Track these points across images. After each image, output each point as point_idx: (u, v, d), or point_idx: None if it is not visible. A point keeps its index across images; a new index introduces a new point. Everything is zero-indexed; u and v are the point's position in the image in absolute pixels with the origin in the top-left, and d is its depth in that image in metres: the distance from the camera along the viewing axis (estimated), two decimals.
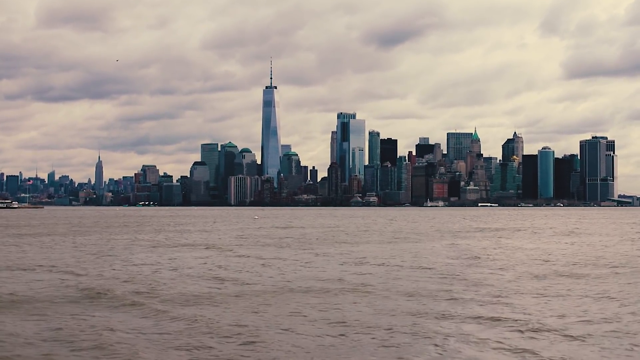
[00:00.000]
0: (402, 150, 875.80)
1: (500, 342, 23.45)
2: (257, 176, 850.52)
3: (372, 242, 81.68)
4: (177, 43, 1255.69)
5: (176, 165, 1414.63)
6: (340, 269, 48.48)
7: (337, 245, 75.54)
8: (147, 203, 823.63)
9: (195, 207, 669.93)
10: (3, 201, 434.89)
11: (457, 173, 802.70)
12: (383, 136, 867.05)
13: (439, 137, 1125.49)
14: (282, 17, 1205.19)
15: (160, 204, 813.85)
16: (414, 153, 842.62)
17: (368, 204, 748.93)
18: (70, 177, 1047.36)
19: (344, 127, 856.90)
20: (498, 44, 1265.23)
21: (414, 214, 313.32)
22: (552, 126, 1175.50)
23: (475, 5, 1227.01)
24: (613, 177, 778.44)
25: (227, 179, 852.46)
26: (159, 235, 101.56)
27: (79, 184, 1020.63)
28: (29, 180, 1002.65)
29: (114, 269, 48.40)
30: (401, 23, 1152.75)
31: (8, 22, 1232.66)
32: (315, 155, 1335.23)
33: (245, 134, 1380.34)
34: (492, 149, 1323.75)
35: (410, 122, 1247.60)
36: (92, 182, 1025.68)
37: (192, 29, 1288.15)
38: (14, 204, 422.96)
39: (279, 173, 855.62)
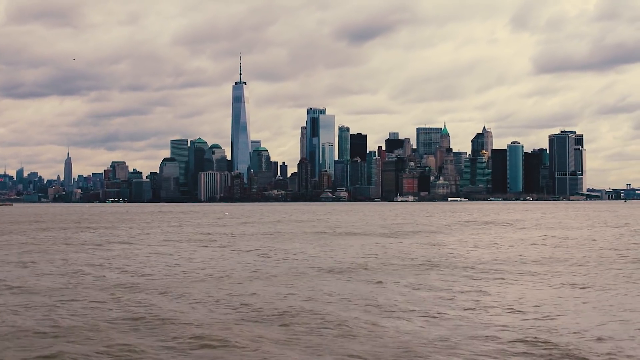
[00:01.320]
0: (372, 146, 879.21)
1: None
2: (227, 172, 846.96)
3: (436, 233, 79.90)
4: (148, 39, 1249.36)
5: (146, 161, 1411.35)
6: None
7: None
8: (116, 199, 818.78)
9: (166, 204, 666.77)
10: None
11: (427, 168, 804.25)
12: (354, 131, 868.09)
13: (409, 133, 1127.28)
14: (254, 12, 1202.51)
15: (130, 201, 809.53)
16: (383, 148, 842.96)
17: (338, 199, 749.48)
18: (39, 174, 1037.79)
19: (314, 123, 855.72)
20: (469, 39, 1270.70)
21: (399, 208, 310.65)
22: (522, 121, 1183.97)
23: (446, 1, 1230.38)
24: (582, 171, 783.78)
25: (197, 174, 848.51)
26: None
27: (47, 180, 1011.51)
28: None
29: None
30: (373, 19, 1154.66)
31: None
32: (286, 151, 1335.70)
33: (215, 130, 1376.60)
34: (462, 143, 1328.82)
35: (381, 117, 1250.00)
36: (62, 179, 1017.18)
37: (163, 25, 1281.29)
38: None
39: (249, 169, 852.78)
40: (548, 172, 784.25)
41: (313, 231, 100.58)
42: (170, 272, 45.49)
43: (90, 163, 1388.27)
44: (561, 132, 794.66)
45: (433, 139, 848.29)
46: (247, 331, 25.16)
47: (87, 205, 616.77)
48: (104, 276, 43.04)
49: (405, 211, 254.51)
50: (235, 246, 70.42)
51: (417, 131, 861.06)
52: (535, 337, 23.46)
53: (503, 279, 40.69)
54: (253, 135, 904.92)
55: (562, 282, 39.00)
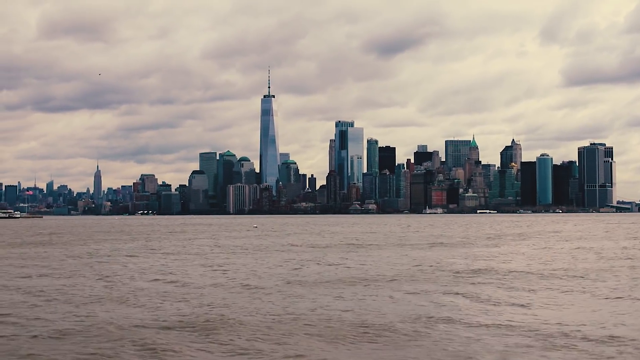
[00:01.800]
0: (401, 158, 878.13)
1: None
2: (255, 185, 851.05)
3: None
4: (177, 53, 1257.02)
5: (175, 174, 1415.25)
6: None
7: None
8: (145, 212, 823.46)
9: (195, 216, 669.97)
10: (5, 211, 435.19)
11: (456, 180, 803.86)
12: (382, 144, 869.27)
13: (438, 145, 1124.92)
14: (283, 26, 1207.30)
15: (159, 213, 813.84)
16: (412, 161, 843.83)
17: (367, 212, 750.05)
18: (68, 187, 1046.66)
19: (342, 135, 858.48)
20: (498, 52, 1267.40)
21: (437, 220, 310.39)
22: (551, 133, 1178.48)
23: (476, 13, 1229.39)
24: (612, 184, 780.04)
25: (225, 187, 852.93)
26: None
27: (77, 193, 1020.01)
28: (28, 190, 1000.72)
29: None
30: (402, 32, 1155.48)
31: (10, 33, 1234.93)
32: (315, 164, 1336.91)
33: (244, 143, 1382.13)
34: (491, 156, 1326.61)
35: (410, 130, 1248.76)
36: (91, 191, 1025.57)
37: (193, 39, 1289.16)
38: (16, 214, 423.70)
39: (277, 181, 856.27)
40: (577, 184, 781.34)
41: (390, 242, 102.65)
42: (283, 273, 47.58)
43: (120, 176, 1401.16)
44: (591, 144, 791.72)
45: (462, 151, 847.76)
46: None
47: (116, 217, 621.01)
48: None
49: (441, 222, 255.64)
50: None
51: (445, 144, 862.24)
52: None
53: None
54: (282, 148, 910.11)
55: None
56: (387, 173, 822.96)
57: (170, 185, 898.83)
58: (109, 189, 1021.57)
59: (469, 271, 50.49)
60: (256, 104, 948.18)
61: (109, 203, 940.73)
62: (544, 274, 48.53)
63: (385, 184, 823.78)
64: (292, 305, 33.35)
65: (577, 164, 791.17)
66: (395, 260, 62.16)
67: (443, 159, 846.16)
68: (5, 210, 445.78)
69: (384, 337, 25.59)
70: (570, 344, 24.00)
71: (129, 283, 44.69)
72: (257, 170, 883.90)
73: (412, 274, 48.45)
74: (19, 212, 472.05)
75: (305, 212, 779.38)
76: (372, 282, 43.24)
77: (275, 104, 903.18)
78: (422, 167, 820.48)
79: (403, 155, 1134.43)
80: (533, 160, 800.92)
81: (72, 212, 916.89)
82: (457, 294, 37.38)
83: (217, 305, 33.69)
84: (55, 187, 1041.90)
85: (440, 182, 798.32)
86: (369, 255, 70.36)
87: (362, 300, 35.32)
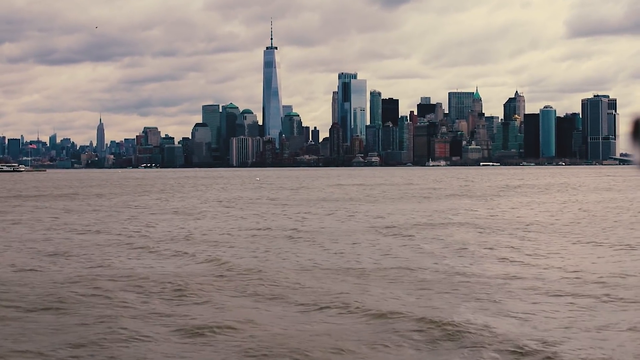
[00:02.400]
0: (404, 110, 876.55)
1: None
2: (258, 137, 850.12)
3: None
4: (180, 4, 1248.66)
5: (178, 127, 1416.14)
6: None
7: None
8: (149, 165, 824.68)
9: (198, 169, 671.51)
10: (10, 165, 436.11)
11: (459, 133, 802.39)
12: (385, 96, 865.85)
13: (441, 97, 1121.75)
14: None
15: (162, 166, 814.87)
16: (415, 113, 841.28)
17: (370, 164, 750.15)
18: (72, 140, 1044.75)
19: (345, 88, 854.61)
20: (502, 3, 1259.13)
21: (440, 173, 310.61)
22: (555, 85, 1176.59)
23: None
24: (615, 136, 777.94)
25: (228, 140, 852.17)
26: None
27: (80, 146, 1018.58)
28: (31, 144, 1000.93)
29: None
30: None
31: None
32: (318, 116, 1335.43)
33: (247, 95, 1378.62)
34: (494, 108, 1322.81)
35: (414, 82, 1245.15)
36: (94, 145, 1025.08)
37: None
38: (20, 168, 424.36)
39: (280, 134, 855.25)
40: (581, 136, 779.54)
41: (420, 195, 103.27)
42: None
43: (123, 129, 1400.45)
44: (594, 96, 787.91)
45: (465, 103, 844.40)
46: None
47: (119, 170, 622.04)
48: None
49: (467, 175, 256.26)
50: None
51: (449, 96, 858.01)
52: None
53: None
54: (285, 101, 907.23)
55: None
56: (390, 125, 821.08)
57: (173, 138, 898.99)
58: (112, 142, 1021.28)
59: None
60: (259, 56, 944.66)
61: (112, 156, 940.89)
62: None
63: (388, 137, 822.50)
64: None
65: (581, 116, 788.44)
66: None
67: (446, 111, 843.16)
68: (10, 164, 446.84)
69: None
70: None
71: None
72: (260, 123, 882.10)
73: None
74: (23, 166, 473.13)
75: (308, 164, 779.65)
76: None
77: (278, 56, 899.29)
78: (425, 120, 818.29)
79: (406, 108, 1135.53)
80: (536, 113, 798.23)
81: (75, 165, 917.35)
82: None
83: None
84: (58, 140, 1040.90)
85: (444, 135, 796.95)
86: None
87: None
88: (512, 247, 37.23)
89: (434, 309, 21.79)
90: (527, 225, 50.38)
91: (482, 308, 21.90)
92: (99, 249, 38.59)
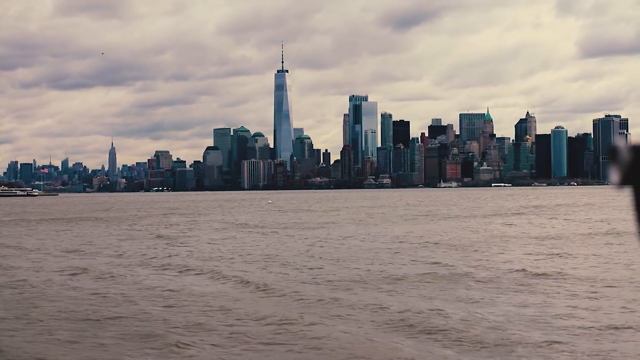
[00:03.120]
0: (415, 132, 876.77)
1: None
2: (270, 160, 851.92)
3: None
4: (193, 28, 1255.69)
5: (190, 150, 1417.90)
6: None
7: None
8: (160, 188, 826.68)
9: (210, 192, 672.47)
10: (23, 189, 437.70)
11: (470, 154, 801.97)
12: (397, 118, 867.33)
13: (453, 119, 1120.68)
14: (299, 0, 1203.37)
15: (174, 189, 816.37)
16: (426, 134, 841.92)
17: (381, 186, 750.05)
18: (83, 164, 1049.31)
19: (356, 110, 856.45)
20: (514, 24, 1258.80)
21: (472, 195, 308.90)
22: (567, 105, 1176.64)
23: None
24: None
25: (240, 163, 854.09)
26: None
27: (92, 170, 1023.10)
28: (43, 168, 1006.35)
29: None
30: (417, 5, 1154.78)
31: (25, 10, 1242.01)
32: (329, 139, 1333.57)
33: (259, 118, 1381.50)
34: (506, 129, 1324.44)
35: (425, 103, 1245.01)
36: (106, 168, 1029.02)
37: (208, 14, 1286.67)
38: (34, 192, 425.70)
39: (292, 157, 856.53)
40: (593, 156, 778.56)
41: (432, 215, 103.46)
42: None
43: (135, 153, 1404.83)
44: (606, 116, 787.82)
45: (476, 124, 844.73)
46: None
47: (131, 194, 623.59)
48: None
49: (479, 197, 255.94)
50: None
51: (460, 117, 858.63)
52: None
53: None
54: (297, 123, 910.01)
55: None
56: (402, 147, 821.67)
57: (185, 161, 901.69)
58: (123, 165, 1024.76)
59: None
60: (271, 79, 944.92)
61: (124, 180, 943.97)
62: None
63: (399, 158, 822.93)
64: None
65: (592, 136, 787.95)
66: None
67: (457, 133, 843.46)
68: (23, 188, 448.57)
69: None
70: None
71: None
72: (272, 146, 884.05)
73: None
74: (36, 190, 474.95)
75: (319, 187, 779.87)
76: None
77: (289, 79, 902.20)
78: (436, 141, 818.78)
79: (417, 129, 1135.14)
80: (548, 133, 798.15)
81: (87, 189, 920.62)
82: None
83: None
84: (70, 164, 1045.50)
85: (455, 156, 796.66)
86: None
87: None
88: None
89: None
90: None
91: None
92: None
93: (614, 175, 1.37)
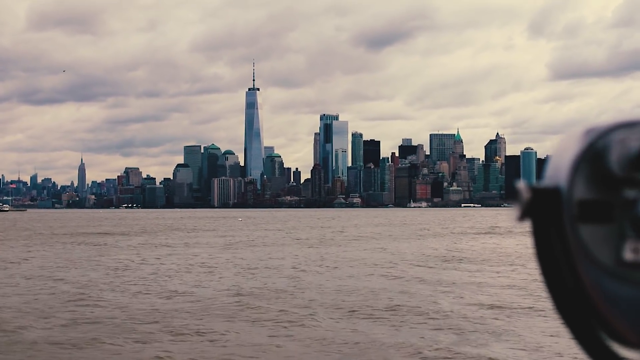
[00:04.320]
0: (386, 152, 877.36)
1: None
2: (240, 178, 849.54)
3: None
4: (165, 45, 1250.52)
5: (161, 167, 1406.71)
6: None
7: None
8: (130, 205, 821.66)
9: (179, 209, 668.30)
10: None
11: (440, 174, 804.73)
12: (368, 137, 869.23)
13: (424, 139, 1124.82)
14: (273, 19, 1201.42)
15: (144, 206, 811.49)
16: (397, 154, 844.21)
17: (351, 205, 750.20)
18: (53, 180, 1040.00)
19: (327, 129, 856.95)
20: (487, 45, 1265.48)
21: (443, 215, 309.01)
22: (538, 127, 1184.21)
23: (466, 7, 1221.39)
24: None
25: (210, 180, 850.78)
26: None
27: (61, 186, 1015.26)
28: (12, 184, 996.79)
29: None
30: (391, 25, 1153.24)
31: None
32: (301, 157, 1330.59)
33: (231, 136, 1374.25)
34: (477, 150, 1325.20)
35: (397, 123, 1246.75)
36: (75, 184, 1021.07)
37: (181, 32, 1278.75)
38: (4, 207, 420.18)
39: (262, 175, 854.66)
40: None
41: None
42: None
43: (106, 169, 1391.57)
44: None
45: (446, 145, 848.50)
46: None
47: (100, 211, 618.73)
48: None
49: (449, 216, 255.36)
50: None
51: (430, 137, 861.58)
52: None
53: None
54: (269, 142, 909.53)
55: None
56: (372, 167, 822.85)
57: (155, 178, 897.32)
58: (93, 182, 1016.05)
59: None
60: (243, 97, 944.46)
61: (93, 196, 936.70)
62: None
63: (369, 178, 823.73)
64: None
65: None
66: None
67: (428, 153, 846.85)
68: None
69: None
70: None
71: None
72: (242, 164, 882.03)
73: None
74: (7, 206, 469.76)
75: (290, 205, 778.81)
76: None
77: (260, 97, 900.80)
78: (406, 161, 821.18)
79: (388, 149, 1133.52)
80: (517, 154, 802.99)
81: (56, 205, 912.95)
82: None
83: None
84: (39, 180, 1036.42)
85: (425, 176, 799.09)
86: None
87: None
88: None
89: None
90: None
91: None
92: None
93: (516, 211, 1.27)
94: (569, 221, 1.40)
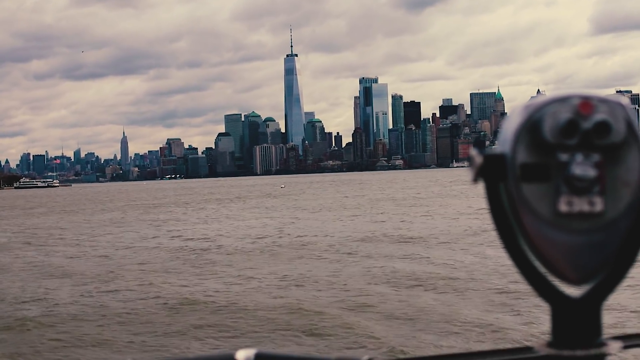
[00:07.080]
0: (427, 113, 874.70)
1: None
2: (282, 145, 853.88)
3: None
4: (207, 15, 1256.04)
5: (203, 137, 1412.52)
6: None
7: None
8: (173, 176, 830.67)
9: (222, 178, 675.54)
10: (44, 180, 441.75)
11: (482, 133, 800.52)
12: (410, 99, 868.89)
13: (465, 99, 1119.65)
14: None
15: (187, 177, 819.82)
16: (437, 115, 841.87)
17: (394, 168, 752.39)
18: (96, 154, 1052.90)
19: (367, 92, 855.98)
20: (528, 2, 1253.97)
21: None
22: (581, 82, 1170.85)
23: None
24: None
25: (252, 148, 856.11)
26: None
27: (105, 160, 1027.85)
28: (56, 159, 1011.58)
29: None
30: None
31: (41, 2, 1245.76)
32: (343, 121, 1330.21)
33: (273, 103, 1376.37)
34: None
35: (438, 84, 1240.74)
36: (118, 158, 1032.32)
37: (222, 1, 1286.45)
38: (55, 183, 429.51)
39: (303, 140, 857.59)
40: None
41: None
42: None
43: (148, 141, 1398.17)
44: (616, 91, 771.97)
45: (487, 103, 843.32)
46: None
47: (144, 182, 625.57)
48: None
49: None
50: None
51: (470, 96, 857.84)
52: None
53: None
54: (310, 107, 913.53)
55: None
56: (413, 128, 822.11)
57: (197, 148, 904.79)
58: (135, 154, 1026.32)
59: None
60: (283, 64, 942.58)
61: (136, 169, 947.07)
62: None
63: (411, 139, 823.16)
64: None
65: None
66: None
67: (469, 112, 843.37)
68: (44, 180, 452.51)
69: None
70: None
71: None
72: (283, 131, 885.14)
73: None
74: (57, 181, 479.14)
75: (332, 170, 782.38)
76: None
77: (298, 63, 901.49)
78: (447, 121, 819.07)
79: (429, 110, 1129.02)
80: None
81: (100, 179, 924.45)
82: None
83: None
84: (82, 154, 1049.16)
85: (467, 135, 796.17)
86: None
87: None
88: None
89: None
90: None
91: None
92: None
93: (470, 174, 1.35)
94: (513, 181, 1.54)
